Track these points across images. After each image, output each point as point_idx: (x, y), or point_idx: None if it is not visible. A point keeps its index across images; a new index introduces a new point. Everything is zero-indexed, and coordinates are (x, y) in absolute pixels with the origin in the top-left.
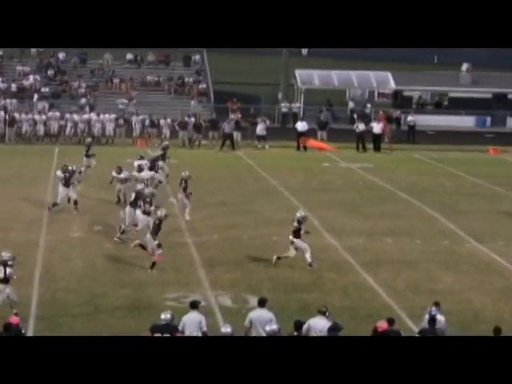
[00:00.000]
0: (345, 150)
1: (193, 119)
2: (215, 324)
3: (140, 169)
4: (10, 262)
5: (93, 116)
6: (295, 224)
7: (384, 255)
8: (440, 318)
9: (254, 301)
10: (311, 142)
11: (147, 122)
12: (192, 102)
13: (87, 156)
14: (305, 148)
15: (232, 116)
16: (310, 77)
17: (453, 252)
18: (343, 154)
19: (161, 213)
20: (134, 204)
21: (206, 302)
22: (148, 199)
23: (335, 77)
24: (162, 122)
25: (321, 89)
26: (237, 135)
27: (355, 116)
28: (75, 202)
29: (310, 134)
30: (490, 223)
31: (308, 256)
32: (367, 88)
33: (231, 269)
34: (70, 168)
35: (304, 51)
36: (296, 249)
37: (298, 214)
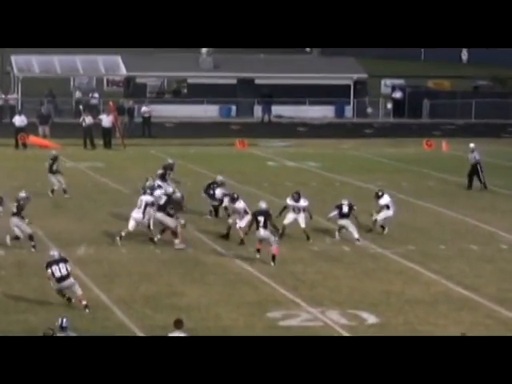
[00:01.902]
0: (71, 148)
1: None
2: None
3: None
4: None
5: None
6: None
7: (119, 267)
8: None
9: None
10: (32, 139)
11: None
12: None
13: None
14: (24, 146)
15: None
16: (29, 63)
17: (197, 262)
18: (69, 152)
19: None
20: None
21: None
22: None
23: (57, 63)
24: None
25: (41, 77)
26: None
27: (81, 108)
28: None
29: (30, 129)
30: None
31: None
32: (94, 75)
33: None
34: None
35: None
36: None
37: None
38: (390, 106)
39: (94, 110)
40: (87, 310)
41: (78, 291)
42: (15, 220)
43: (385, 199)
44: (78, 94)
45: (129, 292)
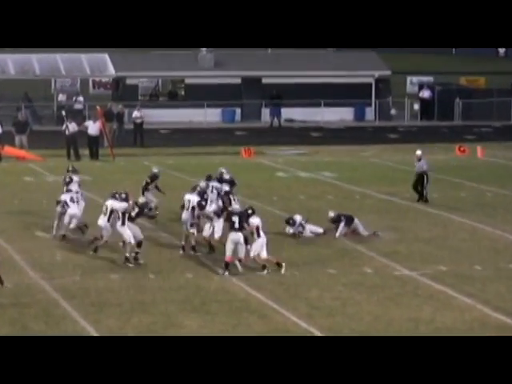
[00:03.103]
0: (52, 159)
1: None
2: None
3: None
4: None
5: None
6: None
7: (108, 295)
8: None
9: None
10: (7, 150)
11: None
12: None
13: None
14: None
15: None
16: (3, 63)
17: (198, 288)
18: (50, 164)
19: None
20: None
21: None
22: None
23: (36, 63)
24: None
25: (18, 79)
26: None
27: (64, 114)
28: None
29: (6, 138)
30: None
31: None
32: (78, 76)
33: None
34: None
35: None
36: None
37: None
38: (416, 106)
39: (79, 116)
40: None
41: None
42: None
43: None
44: (60, 98)
45: (119, 323)
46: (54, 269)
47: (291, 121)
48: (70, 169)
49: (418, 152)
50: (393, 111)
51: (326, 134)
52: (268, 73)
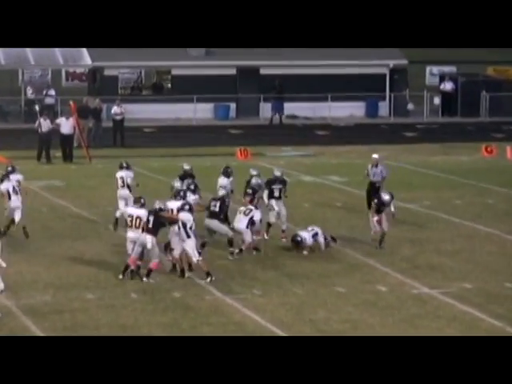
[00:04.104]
0: (21, 161)
1: None
2: None
3: None
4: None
5: None
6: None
7: (84, 318)
8: None
9: None
10: None
11: None
12: None
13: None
14: None
15: None
16: None
17: (187, 308)
18: (18, 168)
19: None
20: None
21: None
22: None
23: (1, 52)
24: None
25: None
26: None
27: (37, 109)
28: None
29: None
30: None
31: None
32: (50, 66)
33: None
34: None
35: None
36: None
37: None
38: (437, 101)
39: (50, 112)
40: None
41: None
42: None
43: None
44: (28, 92)
45: None
46: (21, 287)
47: (294, 117)
48: (9, 169)
49: (375, 156)
50: (410, 106)
51: (334, 133)
52: (267, 62)
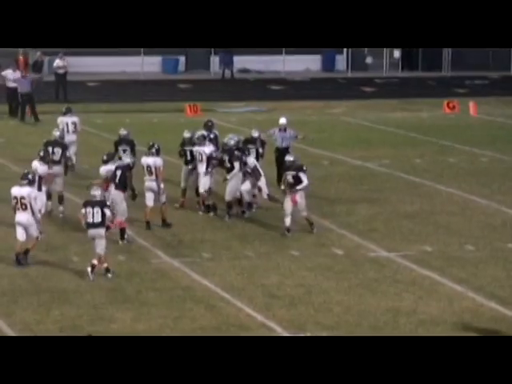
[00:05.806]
0: None
1: None
2: None
3: None
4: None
5: None
6: None
7: (24, 283)
8: None
9: None
10: None
11: None
12: None
13: None
14: None
15: None
16: None
17: (131, 273)
18: None
19: None
20: None
21: None
22: None
23: None
24: None
25: None
26: None
27: None
28: None
29: None
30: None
31: None
32: None
33: None
34: None
35: None
36: None
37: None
38: (397, 54)
39: None
40: (109, 275)
41: (99, 248)
42: None
43: None
44: None
45: (37, 317)
46: None
47: (246, 71)
48: None
49: (283, 120)
50: (369, 60)
51: (288, 88)
52: None
